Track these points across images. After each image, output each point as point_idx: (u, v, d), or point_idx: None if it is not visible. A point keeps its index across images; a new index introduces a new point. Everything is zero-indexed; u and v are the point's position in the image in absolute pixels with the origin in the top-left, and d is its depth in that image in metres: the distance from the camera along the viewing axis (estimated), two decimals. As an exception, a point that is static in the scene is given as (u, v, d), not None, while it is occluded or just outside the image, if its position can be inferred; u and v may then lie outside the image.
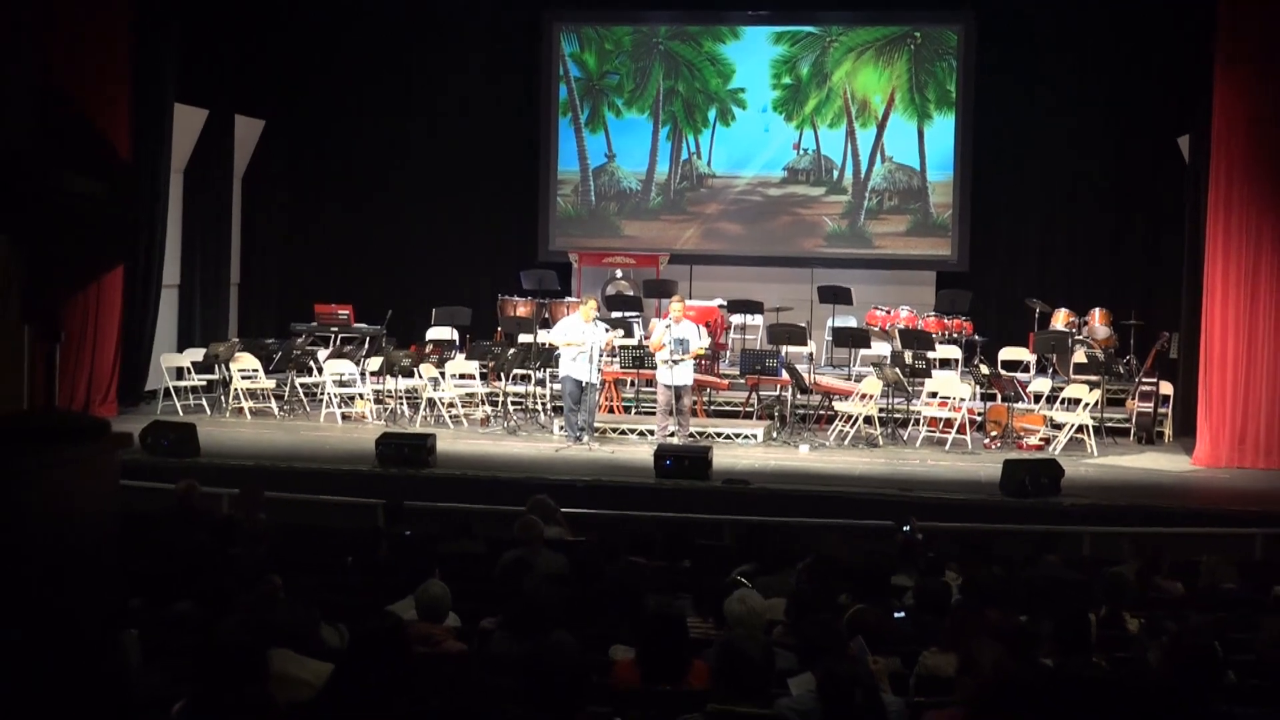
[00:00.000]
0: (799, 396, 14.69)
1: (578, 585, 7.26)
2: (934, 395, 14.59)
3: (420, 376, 15.12)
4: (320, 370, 15.61)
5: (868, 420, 14.30)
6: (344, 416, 15.15)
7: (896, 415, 14.57)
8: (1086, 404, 14.10)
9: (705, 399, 15.29)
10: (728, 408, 15.44)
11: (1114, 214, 17.82)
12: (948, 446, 13.96)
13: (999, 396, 14.44)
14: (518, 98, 19.00)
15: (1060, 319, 16.26)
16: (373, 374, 15.47)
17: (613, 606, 6.72)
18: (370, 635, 4.86)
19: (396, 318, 16.75)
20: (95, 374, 14.57)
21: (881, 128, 18.35)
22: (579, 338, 13.55)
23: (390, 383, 15.15)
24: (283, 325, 17.47)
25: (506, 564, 7.70)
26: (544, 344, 14.80)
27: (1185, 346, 14.80)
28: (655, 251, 18.20)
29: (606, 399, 15.11)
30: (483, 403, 15.29)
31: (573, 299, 16.92)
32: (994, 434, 14.24)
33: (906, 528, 9.32)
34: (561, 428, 14.12)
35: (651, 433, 13.96)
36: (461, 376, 15.43)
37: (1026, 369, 16.34)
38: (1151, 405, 14.55)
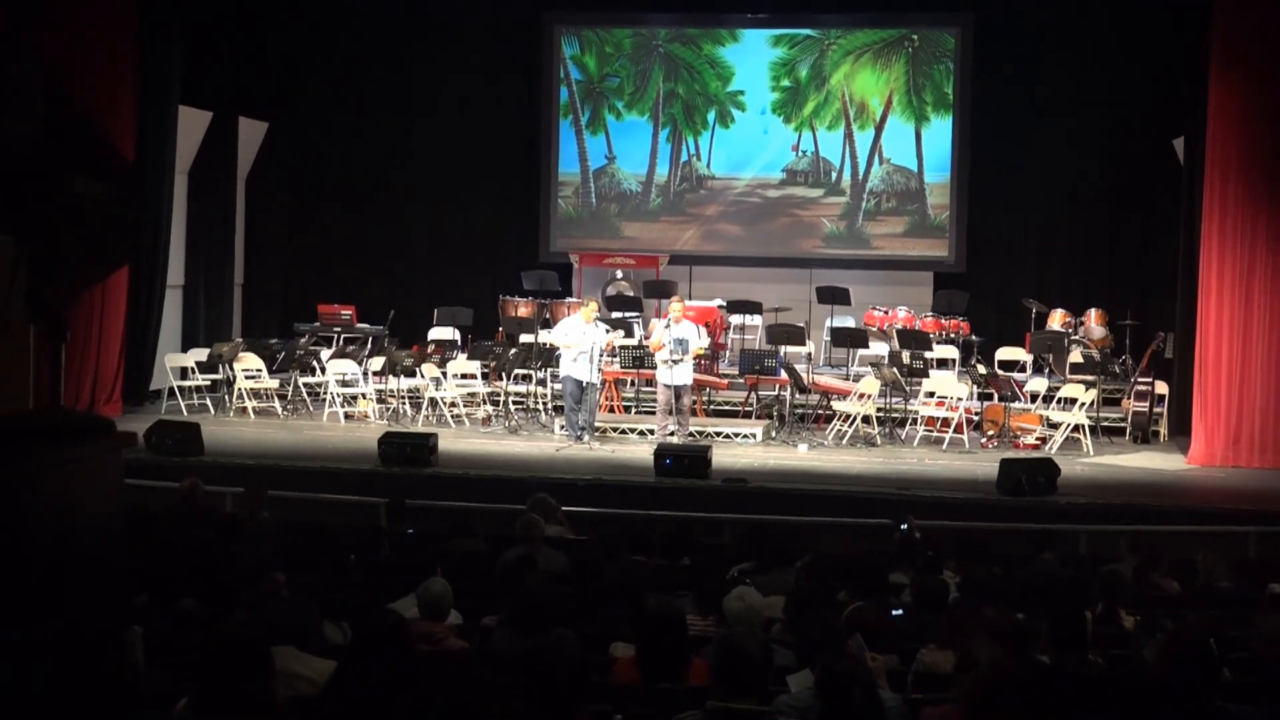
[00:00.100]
0: (798, 396, 14.71)
1: (578, 583, 7.31)
2: (931, 395, 14.59)
3: (422, 376, 15.15)
4: (323, 370, 15.65)
5: (866, 419, 14.32)
6: (347, 416, 15.18)
7: (894, 415, 14.59)
8: (1082, 403, 14.11)
9: (705, 399, 15.32)
10: (727, 407, 15.46)
11: (1110, 215, 17.88)
12: (945, 446, 13.99)
13: (996, 396, 14.48)
14: (519, 100, 19.04)
15: (1056, 319, 16.31)
16: (375, 374, 15.50)
17: (613, 604, 6.73)
18: (372, 633, 4.87)
19: (399, 318, 16.82)
20: (100, 373, 14.61)
21: (879, 130, 18.41)
22: (580, 338, 13.57)
23: (392, 382, 15.17)
24: (286, 325, 17.53)
25: (510, 562, 7.72)
26: (545, 344, 14.83)
27: (1180, 346, 14.82)
28: (655, 252, 18.25)
29: (607, 398, 15.15)
30: (484, 402, 15.33)
31: (573, 299, 16.95)
32: (991, 433, 14.26)
33: (904, 526, 9.36)
34: (562, 427, 14.15)
35: (651, 432, 13.99)
36: (463, 376, 15.45)
37: (1023, 369, 16.36)
38: (1147, 405, 14.58)
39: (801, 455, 13.69)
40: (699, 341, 13.88)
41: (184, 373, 15.66)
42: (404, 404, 15.27)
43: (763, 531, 8.49)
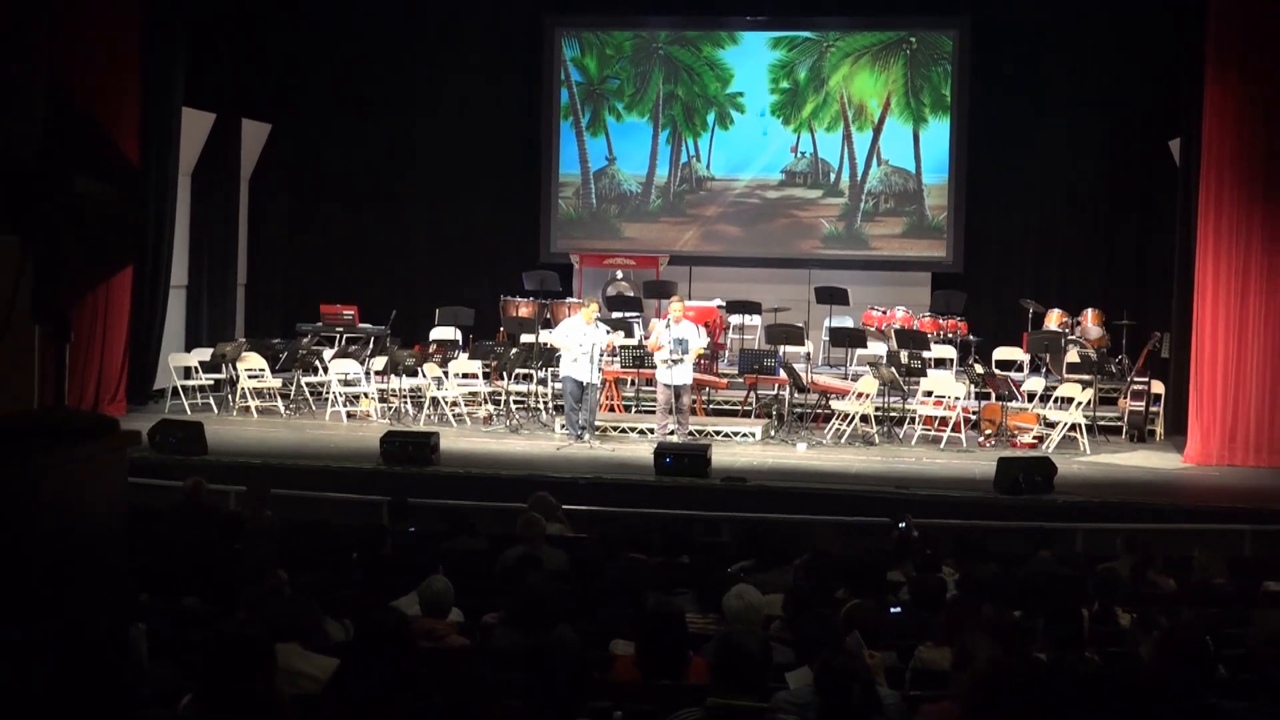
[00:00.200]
0: (796, 395, 14.74)
1: (579, 581, 7.31)
2: (929, 394, 14.62)
3: (424, 376, 15.18)
4: (325, 369, 15.69)
5: (864, 419, 14.36)
6: (349, 415, 15.21)
7: (892, 414, 14.62)
8: (1079, 403, 14.14)
9: (704, 398, 15.36)
10: (726, 406, 15.50)
11: (1106, 216, 17.92)
12: (943, 444, 14.03)
13: (993, 395, 14.48)
14: (519, 101, 19.09)
15: (1053, 319, 16.34)
16: (377, 373, 15.55)
17: (613, 602, 6.74)
18: (375, 630, 4.86)
19: (401, 318, 16.88)
20: (104, 373, 14.63)
21: (878, 131, 18.47)
22: (580, 339, 13.60)
23: (394, 382, 15.21)
24: (289, 325, 17.57)
25: (514, 560, 7.72)
26: (546, 344, 14.86)
27: (1176, 346, 14.85)
28: (655, 253, 18.30)
29: (607, 398, 15.18)
30: (485, 401, 15.38)
31: (574, 300, 16.99)
32: (988, 432, 14.31)
33: (902, 524, 9.40)
34: (563, 426, 14.18)
35: (651, 431, 14.02)
36: (464, 376, 15.50)
37: (1020, 368, 16.40)
38: (1143, 404, 14.62)
39: (800, 454, 13.73)
40: (699, 342, 13.90)
41: (187, 372, 15.72)
42: (406, 403, 15.31)
43: (762, 530, 8.50)
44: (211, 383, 15.81)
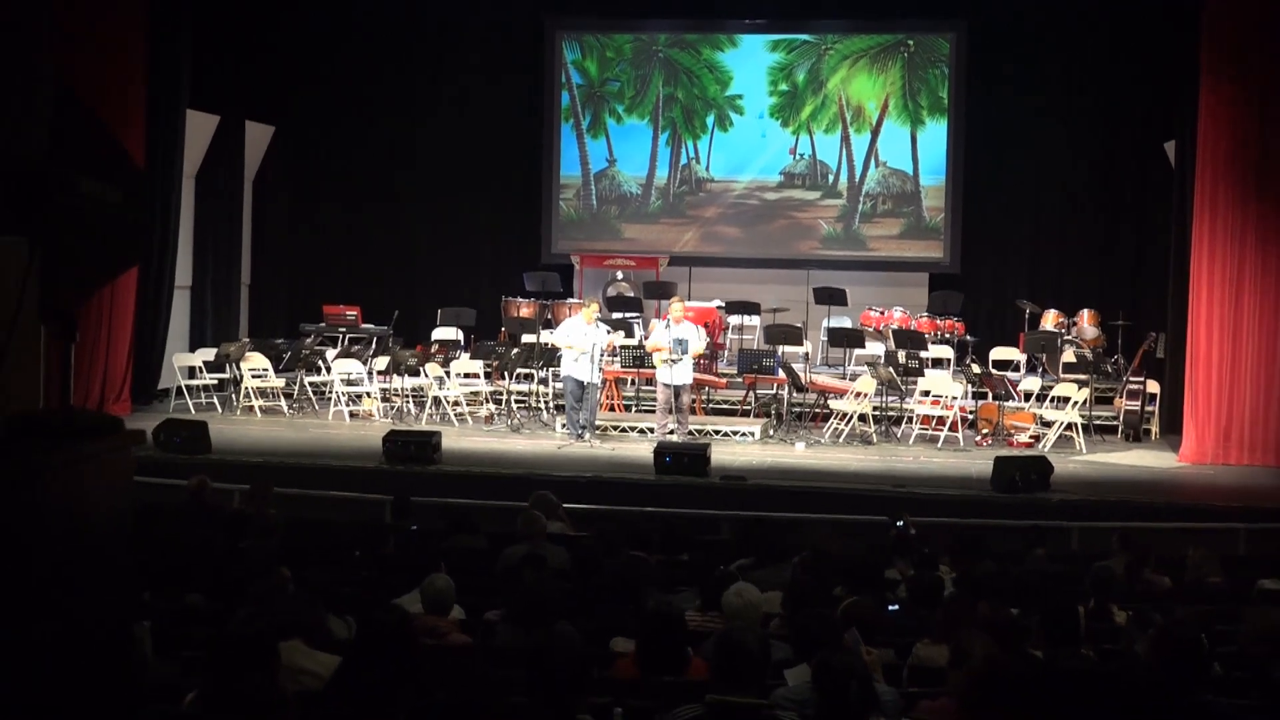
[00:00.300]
0: (795, 395, 14.78)
1: (579, 579, 7.32)
2: (927, 394, 14.63)
3: (426, 375, 15.21)
4: (328, 369, 15.74)
5: (862, 418, 14.42)
6: (352, 414, 15.26)
7: (890, 413, 14.65)
8: (1075, 402, 14.17)
9: (704, 397, 15.41)
10: (726, 406, 15.54)
11: (1102, 217, 17.97)
12: (940, 444, 14.05)
13: (990, 395, 14.55)
14: (521, 104, 19.15)
15: (1050, 319, 16.37)
16: (380, 373, 15.60)
17: (613, 599, 6.78)
18: (377, 627, 4.88)
19: (403, 318, 16.94)
20: (109, 373, 14.68)
21: (876, 133, 18.54)
22: (581, 339, 13.65)
23: (397, 381, 15.26)
24: (292, 326, 17.64)
25: (517, 558, 7.71)
26: (547, 344, 14.91)
27: (1171, 346, 14.88)
28: (655, 254, 18.35)
29: (607, 397, 15.22)
30: (487, 401, 15.42)
31: (575, 300, 17.03)
32: (985, 431, 14.34)
33: (900, 523, 9.46)
34: (564, 425, 14.22)
35: (651, 430, 14.04)
36: (466, 375, 15.54)
37: (1017, 368, 16.41)
38: (1139, 403, 14.65)
39: (799, 453, 13.78)
40: (698, 342, 13.93)
41: (192, 372, 15.75)
42: (408, 403, 15.35)
43: (761, 528, 8.54)
44: (215, 382, 15.88)
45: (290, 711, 4.55)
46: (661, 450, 12.51)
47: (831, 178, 18.74)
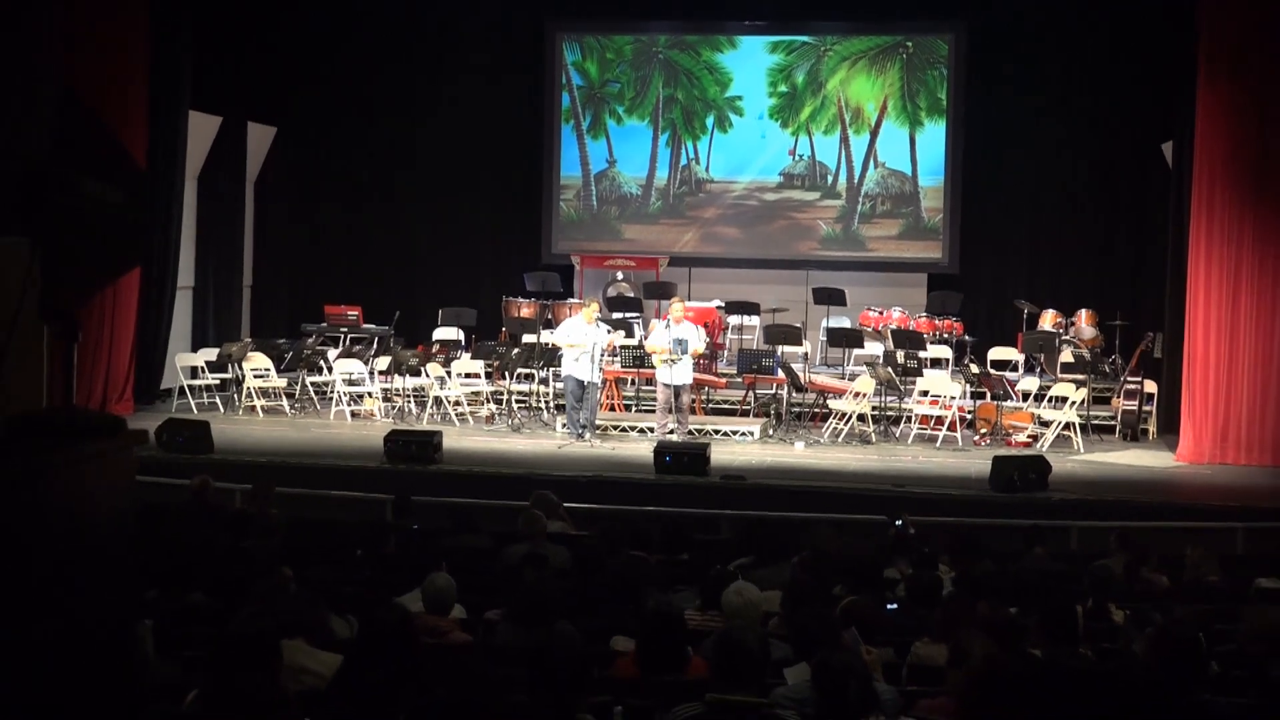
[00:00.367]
0: (794, 395, 14.83)
1: (580, 578, 7.36)
2: (925, 393, 14.65)
3: (427, 375, 15.25)
4: (330, 369, 15.77)
5: (861, 418, 14.45)
6: (353, 414, 15.31)
7: (889, 413, 14.69)
8: (1073, 402, 14.21)
9: (703, 397, 15.44)
10: (725, 406, 15.57)
11: (1100, 218, 17.99)
12: (939, 443, 14.09)
13: (988, 395, 14.60)
14: (522, 105, 19.18)
15: (1048, 320, 16.38)
16: (381, 373, 15.64)
17: (614, 598, 6.81)
18: (378, 626, 4.90)
19: (404, 318, 16.97)
20: (112, 373, 14.73)
21: (874, 134, 18.58)
22: (581, 339, 13.69)
23: (398, 381, 15.30)
24: (294, 326, 17.66)
25: (519, 558, 7.73)
26: (547, 344, 14.94)
27: (1169, 346, 14.91)
28: (655, 254, 18.38)
29: (608, 397, 15.25)
30: (488, 401, 15.44)
31: (575, 300, 17.05)
32: (983, 431, 14.40)
33: (899, 522, 9.50)
34: (564, 425, 14.26)
35: (651, 430, 14.08)
36: (467, 375, 15.57)
37: (1015, 368, 16.43)
38: (1136, 403, 14.69)
39: (798, 452, 13.83)
40: (698, 342, 13.96)
41: (194, 372, 15.79)
42: (409, 402, 15.39)
43: (760, 527, 8.57)
44: (218, 382, 15.91)
45: (292, 710, 4.56)
46: (661, 450, 12.55)
47: (830, 178, 18.78)
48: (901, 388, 14.67)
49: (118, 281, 14.60)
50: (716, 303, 17.18)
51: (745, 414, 15.24)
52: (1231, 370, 13.72)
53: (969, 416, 14.68)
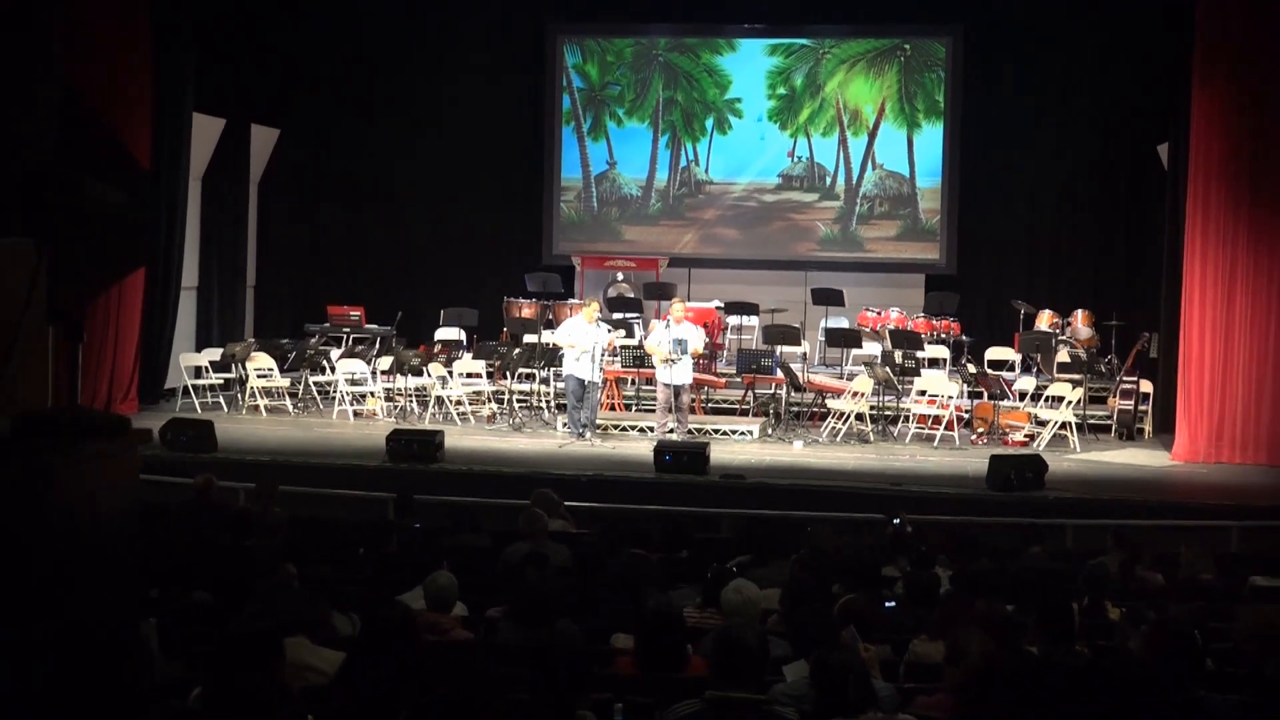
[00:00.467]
0: (793, 394, 14.88)
1: (580, 576, 7.41)
2: (923, 393, 14.71)
3: (429, 375, 15.30)
4: (333, 369, 15.79)
5: (859, 417, 14.50)
6: (355, 414, 15.37)
7: (887, 412, 14.73)
8: (1069, 402, 14.26)
9: (703, 397, 15.49)
10: (725, 405, 15.62)
11: (1096, 219, 18.06)
12: (936, 443, 14.14)
13: (985, 394, 14.62)
14: (522, 107, 19.23)
15: (1044, 320, 16.42)
16: (383, 373, 15.67)
17: (614, 596, 6.86)
18: (381, 624, 4.90)
19: (406, 319, 16.99)
20: (116, 373, 14.76)
21: (873, 136, 18.64)
22: (582, 339, 13.75)
23: (400, 381, 15.35)
24: (297, 326, 17.69)
25: (520, 557, 7.73)
26: (548, 344, 14.99)
27: (1165, 346, 14.94)
28: (655, 255, 18.43)
29: (608, 397, 15.30)
30: (489, 400, 15.50)
31: (575, 301, 17.08)
32: (980, 430, 14.46)
33: (897, 521, 9.57)
34: (565, 424, 14.32)
35: (651, 429, 14.12)
36: (469, 375, 15.62)
37: (1012, 368, 16.49)
38: (1132, 403, 14.72)
39: (797, 452, 13.88)
40: (697, 342, 14.00)
41: (198, 372, 15.85)
42: (411, 402, 15.44)
43: (760, 526, 8.65)
44: (221, 382, 15.94)
45: (295, 707, 4.58)
46: (661, 449, 12.61)
47: (829, 180, 18.84)
48: (899, 387, 14.71)
49: (122, 282, 14.63)
50: (716, 303, 17.22)
51: (744, 414, 15.28)
52: (1226, 370, 13.78)
53: (966, 416, 14.73)
